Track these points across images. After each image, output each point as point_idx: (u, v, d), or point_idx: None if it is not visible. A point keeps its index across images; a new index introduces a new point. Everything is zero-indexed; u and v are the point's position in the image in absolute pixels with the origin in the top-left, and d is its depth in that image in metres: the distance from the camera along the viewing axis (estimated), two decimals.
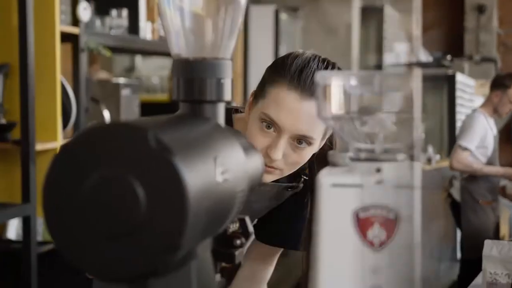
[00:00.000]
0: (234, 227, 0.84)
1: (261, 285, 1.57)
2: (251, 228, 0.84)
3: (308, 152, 1.28)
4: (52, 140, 2.54)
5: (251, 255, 1.49)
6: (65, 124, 2.64)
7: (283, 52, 6.31)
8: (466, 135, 4.31)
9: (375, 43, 7.47)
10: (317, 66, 1.26)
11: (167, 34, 0.78)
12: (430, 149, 6.19)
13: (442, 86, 7.07)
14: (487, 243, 1.94)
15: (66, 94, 2.61)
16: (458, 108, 6.89)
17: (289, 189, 1.42)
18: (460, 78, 6.94)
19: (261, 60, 4.75)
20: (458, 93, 6.85)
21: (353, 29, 5.97)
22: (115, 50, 3.32)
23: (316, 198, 0.68)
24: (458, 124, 7.21)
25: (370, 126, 0.69)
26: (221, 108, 0.77)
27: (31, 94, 2.37)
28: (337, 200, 0.67)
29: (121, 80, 3.18)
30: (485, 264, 1.92)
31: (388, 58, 7.56)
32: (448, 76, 6.93)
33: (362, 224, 0.66)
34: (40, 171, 2.45)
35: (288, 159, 1.27)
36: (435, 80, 6.50)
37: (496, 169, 4.44)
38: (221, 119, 0.77)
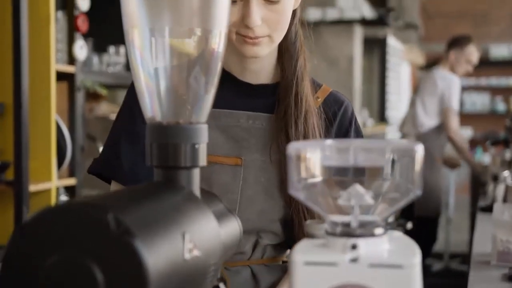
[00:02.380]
0: None
1: None
2: None
3: (286, 6, 1.19)
4: (47, 180, 2.51)
5: None
6: (60, 164, 2.62)
7: None
8: (453, 97, 4.34)
9: (378, 73, 7.48)
10: None
11: (140, 96, 0.75)
12: (365, 113, 6.14)
13: (373, 48, 7.09)
14: (497, 206, 1.71)
15: (61, 133, 2.59)
16: (386, 72, 6.97)
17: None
18: (391, 41, 6.92)
19: None
20: (388, 57, 6.86)
21: (355, 60, 5.96)
22: (112, 87, 3.31)
23: (289, 276, 0.65)
24: (388, 88, 7.25)
25: (345, 198, 0.66)
26: (196, 174, 0.75)
27: (25, 134, 2.35)
28: (310, 279, 0.63)
29: None
30: (495, 230, 1.70)
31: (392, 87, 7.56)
32: (380, 39, 6.93)
33: None
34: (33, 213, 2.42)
35: (269, 22, 1.18)
36: (367, 42, 6.52)
37: (473, 159, 4.57)
38: (195, 185, 0.75)
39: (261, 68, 1.29)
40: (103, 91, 2.81)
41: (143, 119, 0.70)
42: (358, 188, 0.67)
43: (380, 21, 6.16)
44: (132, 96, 1.28)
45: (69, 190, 2.76)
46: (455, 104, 4.34)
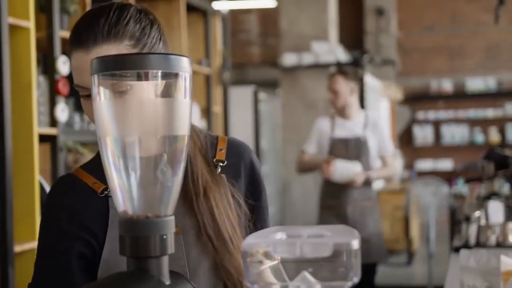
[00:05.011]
0: None
1: None
2: None
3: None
4: (31, 240, 2.58)
5: None
6: None
7: (263, 131, 6.45)
8: (307, 139, 4.45)
9: None
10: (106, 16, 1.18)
11: (113, 192, 0.85)
12: None
13: None
14: (463, 252, 1.79)
15: (45, 193, 2.67)
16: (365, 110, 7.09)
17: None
18: (368, 79, 7.06)
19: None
20: (366, 95, 6.97)
21: None
22: (94, 143, 3.40)
23: None
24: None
25: (294, 285, 0.75)
26: (165, 261, 0.84)
27: (9, 197, 2.43)
28: None
29: None
30: (462, 276, 1.77)
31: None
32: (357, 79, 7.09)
33: None
34: (19, 273, 2.49)
35: None
36: None
37: (314, 159, 4.31)
38: (165, 270, 0.84)
39: None
40: (84, 151, 2.90)
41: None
42: (306, 275, 0.76)
43: (355, 63, 6.31)
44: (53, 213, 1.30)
45: None
46: (305, 145, 4.38)
